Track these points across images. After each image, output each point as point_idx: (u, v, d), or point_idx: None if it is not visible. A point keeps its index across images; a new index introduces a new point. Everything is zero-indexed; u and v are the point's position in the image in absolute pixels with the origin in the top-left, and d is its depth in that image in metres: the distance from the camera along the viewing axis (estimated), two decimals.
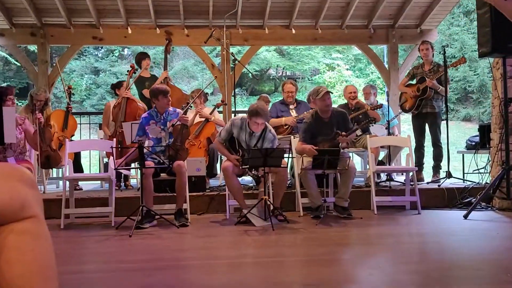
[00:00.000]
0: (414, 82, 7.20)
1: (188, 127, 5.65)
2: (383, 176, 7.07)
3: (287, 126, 6.84)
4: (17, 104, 5.67)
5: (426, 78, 6.88)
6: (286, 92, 7.07)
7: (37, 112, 5.69)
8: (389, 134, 6.86)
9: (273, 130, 5.65)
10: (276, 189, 5.49)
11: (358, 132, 6.92)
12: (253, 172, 5.31)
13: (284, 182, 5.46)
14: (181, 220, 5.20)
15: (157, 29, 8.40)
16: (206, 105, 7.48)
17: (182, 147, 5.52)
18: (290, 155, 5.64)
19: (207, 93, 7.70)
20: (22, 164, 5.19)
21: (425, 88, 6.88)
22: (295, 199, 5.93)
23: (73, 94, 7.21)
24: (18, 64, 11.01)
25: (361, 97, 7.53)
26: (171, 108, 5.64)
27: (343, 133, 5.55)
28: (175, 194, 5.37)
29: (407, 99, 7.19)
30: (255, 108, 5.40)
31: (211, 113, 7.14)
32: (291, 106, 7.04)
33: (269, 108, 7.16)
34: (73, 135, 6.97)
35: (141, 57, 7.42)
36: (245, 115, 5.64)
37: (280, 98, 7.45)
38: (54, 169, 7.66)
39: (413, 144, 7.07)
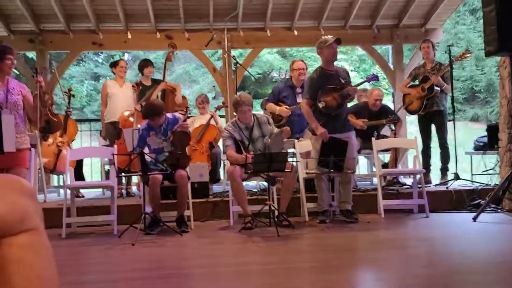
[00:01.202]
0: (416, 83, 7.08)
1: (188, 134, 5.57)
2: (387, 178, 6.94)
3: (281, 118, 6.55)
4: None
5: (430, 76, 6.76)
6: (296, 69, 6.64)
7: (38, 76, 5.36)
8: (395, 136, 6.72)
9: (263, 115, 5.82)
10: (284, 192, 5.44)
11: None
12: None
13: (292, 186, 5.45)
14: (181, 226, 5.15)
15: (157, 33, 8.32)
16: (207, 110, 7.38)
17: (183, 154, 5.44)
18: (295, 160, 5.54)
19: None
20: (19, 156, 4.97)
21: (430, 87, 6.75)
22: (300, 204, 5.83)
23: (73, 96, 7.09)
24: (17, 72, 10.93)
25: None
26: (169, 115, 5.53)
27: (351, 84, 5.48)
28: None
29: (412, 100, 7.05)
30: (236, 98, 5.65)
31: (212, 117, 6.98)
32: (298, 90, 6.62)
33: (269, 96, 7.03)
34: (73, 140, 6.88)
35: (143, 64, 7.28)
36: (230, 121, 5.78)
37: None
38: (55, 177, 7.58)
39: (420, 146, 6.96)
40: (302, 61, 6.83)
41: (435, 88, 6.71)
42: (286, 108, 6.53)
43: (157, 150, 5.43)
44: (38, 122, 5.31)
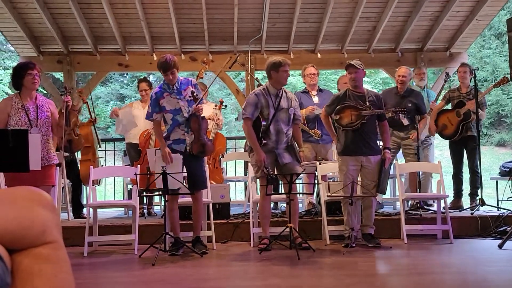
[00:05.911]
0: (449, 106, 6.95)
1: (204, 117, 5.38)
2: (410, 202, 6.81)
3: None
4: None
5: (466, 102, 6.62)
6: (307, 75, 6.71)
7: (66, 95, 5.46)
8: (418, 158, 6.61)
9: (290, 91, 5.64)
10: (292, 216, 5.32)
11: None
12: (269, 172, 5.16)
13: (296, 208, 5.42)
14: (200, 248, 5.09)
15: (182, 55, 8.43)
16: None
17: (206, 140, 5.30)
18: (316, 182, 5.50)
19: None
20: (47, 173, 5.05)
21: (467, 112, 6.62)
22: (321, 227, 5.78)
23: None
24: (45, 91, 11.20)
25: None
26: (182, 78, 5.36)
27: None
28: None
29: (447, 125, 6.87)
30: (275, 59, 5.35)
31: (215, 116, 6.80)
32: (313, 93, 6.67)
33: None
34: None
35: None
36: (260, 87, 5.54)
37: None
38: None
39: (450, 170, 6.85)
40: (313, 66, 6.82)
41: (472, 113, 6.56)
42: (310, 107, 6.44)
43: (174, 111, 5.18)
44: (62, 140, 5.38)
